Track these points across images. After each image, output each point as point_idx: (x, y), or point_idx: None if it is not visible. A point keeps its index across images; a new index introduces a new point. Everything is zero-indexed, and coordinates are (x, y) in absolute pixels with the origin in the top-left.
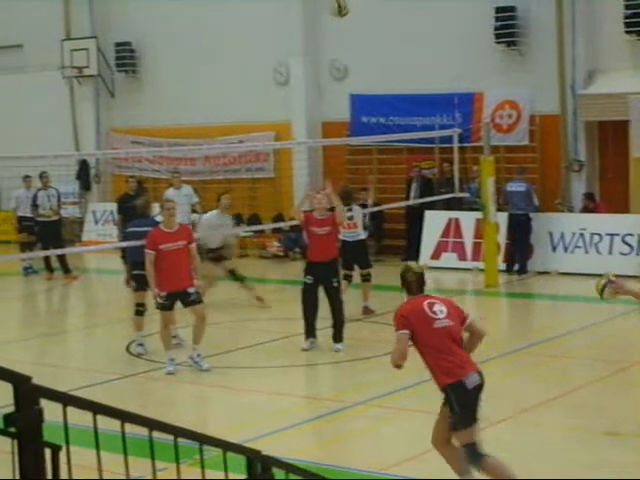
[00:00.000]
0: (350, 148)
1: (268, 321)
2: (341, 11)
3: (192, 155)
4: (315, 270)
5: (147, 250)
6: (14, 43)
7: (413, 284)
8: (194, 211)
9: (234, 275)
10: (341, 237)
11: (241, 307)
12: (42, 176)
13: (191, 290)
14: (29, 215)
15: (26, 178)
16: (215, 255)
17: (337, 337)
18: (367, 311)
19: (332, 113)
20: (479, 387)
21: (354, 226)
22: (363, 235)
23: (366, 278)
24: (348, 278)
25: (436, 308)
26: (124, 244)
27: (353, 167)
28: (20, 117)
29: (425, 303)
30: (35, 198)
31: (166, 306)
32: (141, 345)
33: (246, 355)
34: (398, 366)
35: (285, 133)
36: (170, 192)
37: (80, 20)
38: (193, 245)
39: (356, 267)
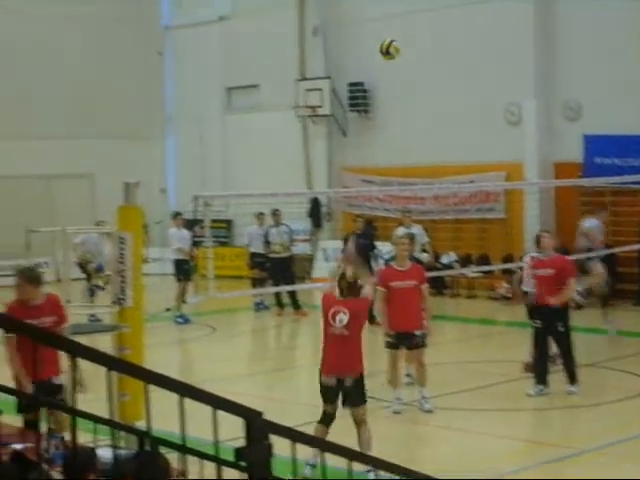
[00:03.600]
0: (582, 190)
1: (491, 363)
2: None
3: (422, 194)
4: (540, 313)
5: (378, 287)
6: (251, 83)
7: (344, 289)
8: (424, 251)
9: None
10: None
11: (464, 348)
12: (274, 213)
13: (417, 333)
14: (261, 252)
15: (259, 215)
16: None
17: (571, 379)
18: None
19: (565, 154)
20: (334, 388)
21: None
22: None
23: None
24: None
25: (337, 318)
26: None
27: (586, 209)
28: (255, 155)
29: (332, 310)
30: (267, 235)
31: (393, 345)
32: None
33: (470, 397)
34: None
35: (516, 173)
36: (401, 231)
37: (314, 61)
38: (425, 285)
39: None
